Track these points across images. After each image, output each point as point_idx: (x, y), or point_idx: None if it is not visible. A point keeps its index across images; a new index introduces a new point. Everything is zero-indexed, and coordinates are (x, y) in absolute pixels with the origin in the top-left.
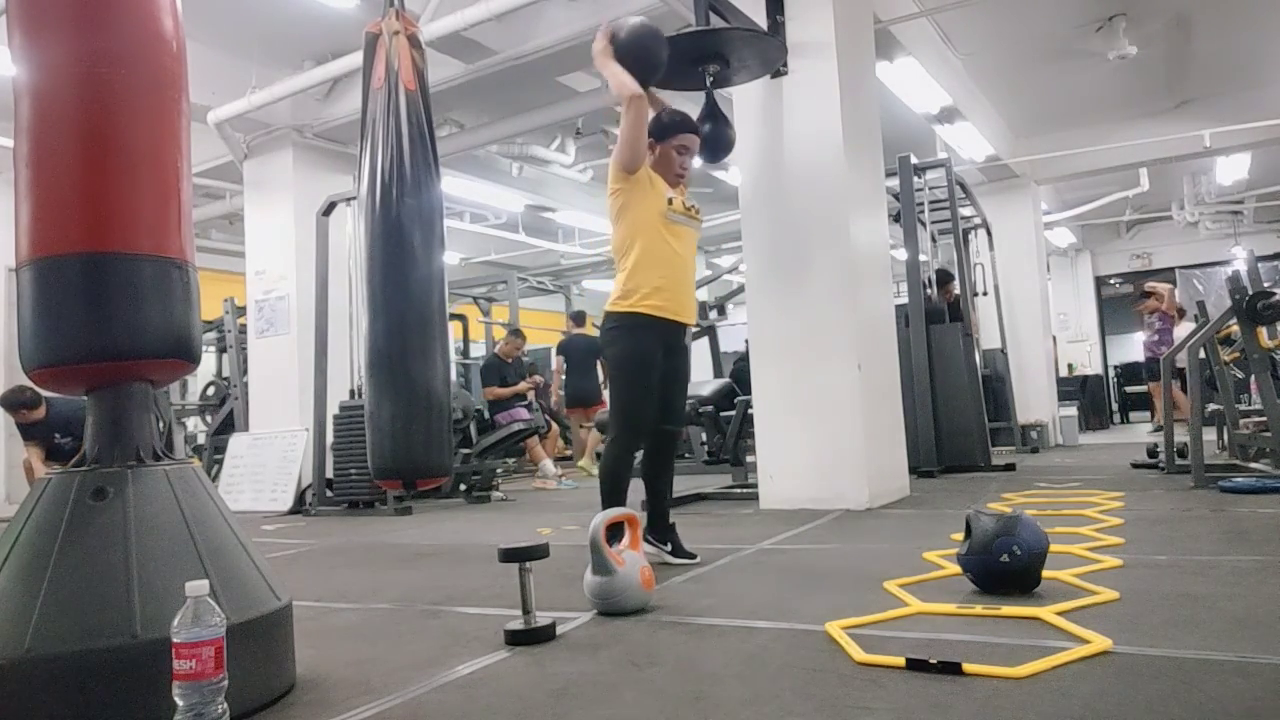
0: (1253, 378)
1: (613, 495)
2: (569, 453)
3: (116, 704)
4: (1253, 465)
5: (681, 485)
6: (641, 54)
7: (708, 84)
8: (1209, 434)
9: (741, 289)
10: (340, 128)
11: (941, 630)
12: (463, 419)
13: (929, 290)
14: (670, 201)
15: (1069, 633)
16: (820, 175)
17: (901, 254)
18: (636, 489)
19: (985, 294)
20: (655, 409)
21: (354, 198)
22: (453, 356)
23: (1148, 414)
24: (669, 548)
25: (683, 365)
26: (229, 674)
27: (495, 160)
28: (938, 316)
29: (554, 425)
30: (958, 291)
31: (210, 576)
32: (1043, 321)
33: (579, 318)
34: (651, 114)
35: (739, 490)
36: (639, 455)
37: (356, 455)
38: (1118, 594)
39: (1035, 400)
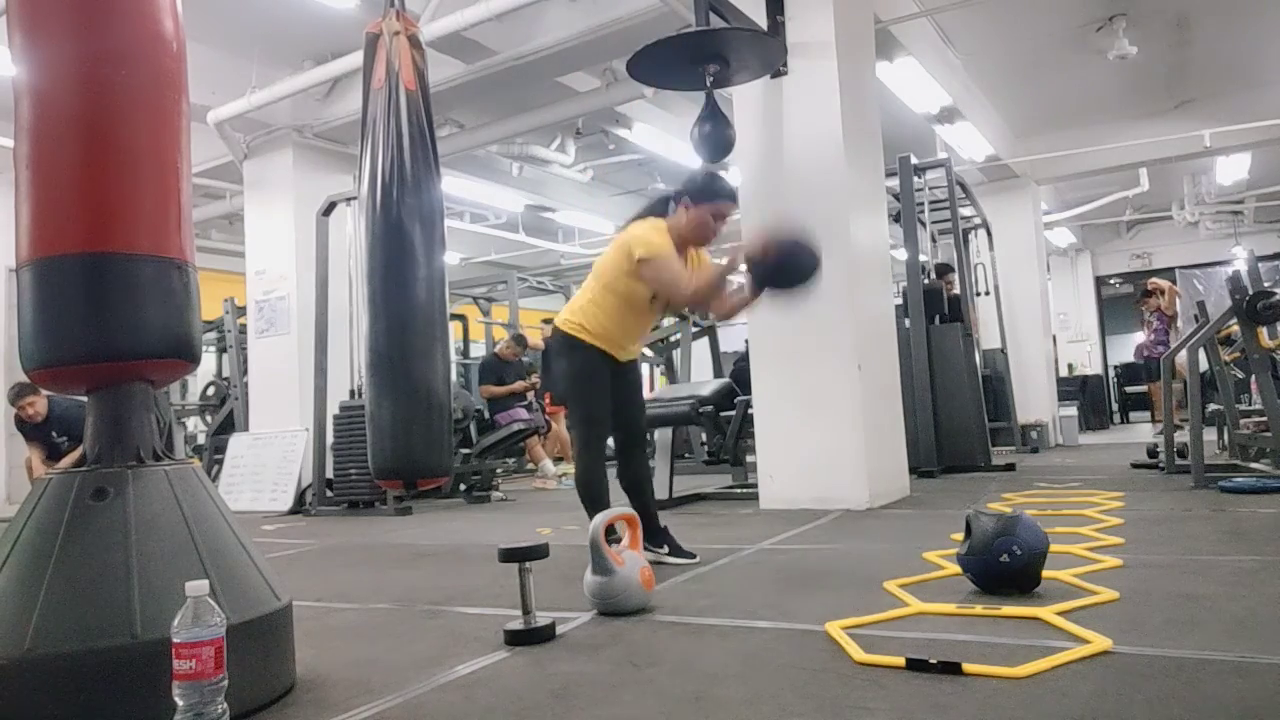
0: (1253, 378)
1: (594, 502)
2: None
3: (116, 704)
4: (1253, 465)
5: (681, 485)
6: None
7: (708, 84)
8: (1209, 434)
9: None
10: (340, 128)
11: (941, 630)
12: (462, 419)
13: (927, 275)
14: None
15: (1069, 633)
16: (820, 175)
17: (901, 254)
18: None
19: (985, 294)
20: (610, 410)
21: (354, 198)
22: (452, 356)
23: (1148, 414)
24: (665, 550)
25: (633, 374)
26: (229, 674)
27: (495, 160)
28: (934, 301)
29: (554, 425)
30: (957, 290)
31: (210, 576)
32: (1043, 321)
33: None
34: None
35: (739, 490)
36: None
37: (356, 455)
38: (1118, 594)
39: (1035, 400)
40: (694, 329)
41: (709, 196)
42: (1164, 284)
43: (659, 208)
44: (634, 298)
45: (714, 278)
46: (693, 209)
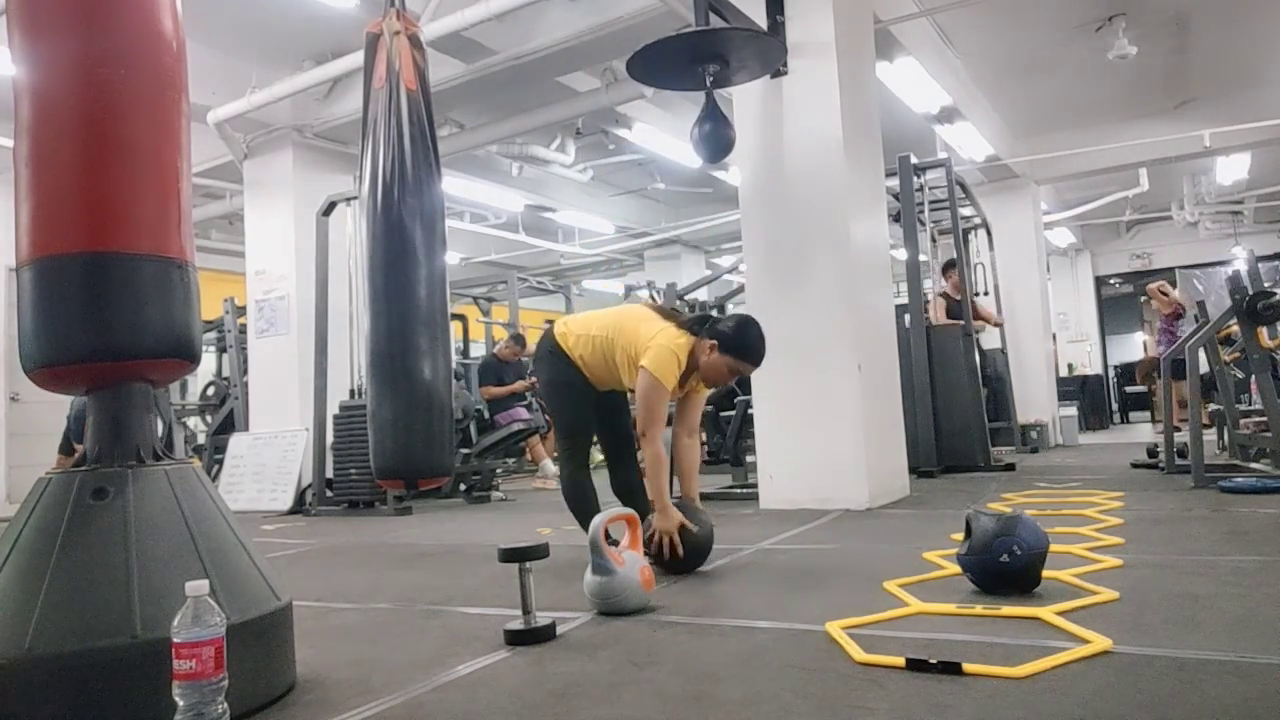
0: (1253, 378)
1: (583, 512)
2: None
3: (116, 704)
4: (1253, 465)
5: None
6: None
7: (708, 84)
8: (1209, 434)
9: (741, 289)
10: (340, 128)
11: (941, 630)
12: (463, 419)
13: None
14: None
15: (1069, 633)
16: (820, 175)
17: (901, 254)
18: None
19: (985, 294)
20: (591, 419)
21: (354, 197)
22: (452, 356)
23: (1147, 414)
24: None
25: (612, 394)
26: (229, 674)
27: (495, 160)
28: (956, 313)
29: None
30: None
31: (210, 576)
32: (1043, 321)
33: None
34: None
35: (739, 490)
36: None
37: (356, 455)
38: (1118, 594)
39: (1035, 400)
40: None
41: (737, 353)
42: (1155, 289)
43: (696, 326)
44: (623, 372)
45: (656, 471)
46: (716, 354)
